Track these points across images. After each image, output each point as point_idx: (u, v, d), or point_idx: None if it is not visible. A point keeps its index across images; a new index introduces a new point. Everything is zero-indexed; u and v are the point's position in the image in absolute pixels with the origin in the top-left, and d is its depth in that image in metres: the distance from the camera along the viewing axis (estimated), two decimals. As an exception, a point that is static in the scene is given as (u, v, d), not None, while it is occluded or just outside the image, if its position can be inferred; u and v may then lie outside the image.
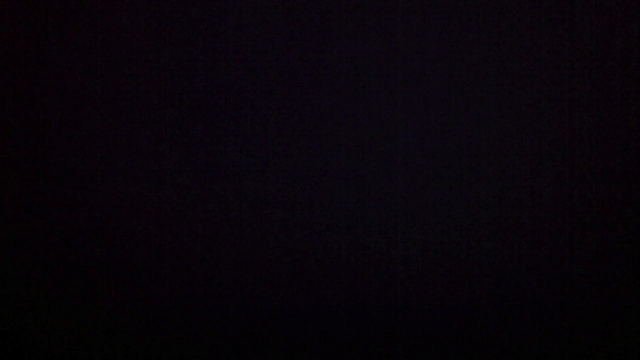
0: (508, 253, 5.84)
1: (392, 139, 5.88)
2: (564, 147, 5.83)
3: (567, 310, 5.82)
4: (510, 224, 5.85)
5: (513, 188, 5.84)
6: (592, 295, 5.82)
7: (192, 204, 5.86)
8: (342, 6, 5.84)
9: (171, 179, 5.88)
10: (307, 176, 5.88)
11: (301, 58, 5.88)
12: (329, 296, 5.86)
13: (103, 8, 5.85)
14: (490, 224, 5.85)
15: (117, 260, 5.85)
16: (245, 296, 5.86)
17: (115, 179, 5.86)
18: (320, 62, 5.86)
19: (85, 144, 5.86)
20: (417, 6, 5.86)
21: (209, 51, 5.88)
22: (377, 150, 5.87)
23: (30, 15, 5.82)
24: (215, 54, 5.88)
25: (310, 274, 5.85)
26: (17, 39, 5.83)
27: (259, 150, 5.87)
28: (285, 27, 5.87)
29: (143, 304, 5.83)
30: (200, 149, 5.87)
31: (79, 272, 5.84)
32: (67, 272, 5.85)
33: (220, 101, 5.89)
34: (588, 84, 5.83)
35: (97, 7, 5.85)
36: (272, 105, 5.88)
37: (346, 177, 5.87)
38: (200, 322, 5.85)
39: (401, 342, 5.84)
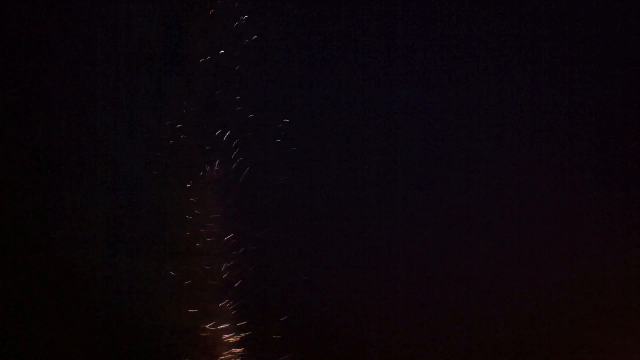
0: (508, 253, 5.85)
1: (393, 139, 5.88)
2: (564, 147, 5.84)
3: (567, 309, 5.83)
4: (509, 224, 5.85)
5: (513, 188, 5.85)
6: (592, 294, 5.83)
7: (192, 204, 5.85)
8: (343, 7, 5.84)
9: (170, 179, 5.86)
10: (307, 176, 5.88)
11: (301, 59, 5.88)
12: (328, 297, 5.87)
13: (103, 8, 5.83)
14: (490, 224, 5.86)
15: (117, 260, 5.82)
16: (244, 296, 5.85)
17: (115, 180, 5.84)
18: (321, 63, 5.86)
19: (85, 144, 5.83)
20: (418, 7, 5.85)
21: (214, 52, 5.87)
22: (378, 150, 5.87)
23: (30, 15, 5.79)
24: (217, 54, 5.86)
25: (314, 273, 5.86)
26: (17, 39, 5.80)
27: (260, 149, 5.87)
28: (286, 28, 5.86)
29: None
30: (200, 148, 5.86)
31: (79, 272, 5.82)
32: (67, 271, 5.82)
33: (221, 101, 5.87)
34: (588, 84, 5.84)
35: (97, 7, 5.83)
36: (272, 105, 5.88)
37: (346, 176, 5.87)
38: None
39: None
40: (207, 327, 5.77)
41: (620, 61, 5.84)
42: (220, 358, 5.78)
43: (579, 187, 5.86)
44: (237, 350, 5.80)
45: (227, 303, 5.79)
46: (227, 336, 5.80)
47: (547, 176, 5.86)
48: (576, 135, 5.88)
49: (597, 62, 5.85)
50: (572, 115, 5.87)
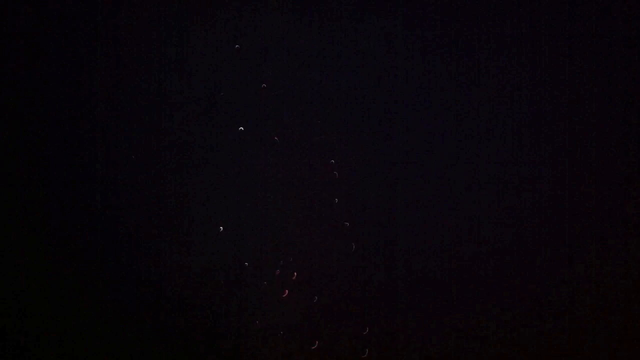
0: (508, 253, 5.86)
1: (392, 140, 5.90)
2: (564, 148, 5.85)
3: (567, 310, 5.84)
4: (509, 224, 5.87)
5: (513, 188, 5.86)
6: (591, 294, 5.84)
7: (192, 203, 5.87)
8: (343, 8, 5.86)
9: (171, 179, 5.89)
10: (307, 176, 5.90)
11: (300, 58, 5.90)
12: (327, 297, 5.89)
13: (103, 8, 5.86)
14: (490, 224, 5.87)
15: (117, 260, 5.85)
16: (244, 297, 5.88)
17: (115, 179, 5.87)
18: (320, 63, 5.88)
19: (85, 144, 5.86)
20: (418, 8, 5.87)
21: (209, 50, 5.89)
22: (378, 150, 5.89)
23: (30, 15, 5.82)
24: (215, 54, 5.89)
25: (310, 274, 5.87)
26: (17, 39, 5.83)
27: (259, 149, 5.89)
28: (285, 28, 5.88)
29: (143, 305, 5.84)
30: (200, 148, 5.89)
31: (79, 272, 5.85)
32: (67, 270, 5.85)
33: (219, 101, 5.90)
34: (588, 84, 5.85)
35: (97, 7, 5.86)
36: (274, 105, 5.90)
37: (346, 176, 5.89)
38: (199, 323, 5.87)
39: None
40: None
41: (621, 61, 5.86)
42: None
43: (580, 187, 5.88)
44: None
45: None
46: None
47: (547, 176, 5.88)
48: (576, 135, 5.89)
49: (597, 62, 5.87)
50: (572, 115, 5.89)
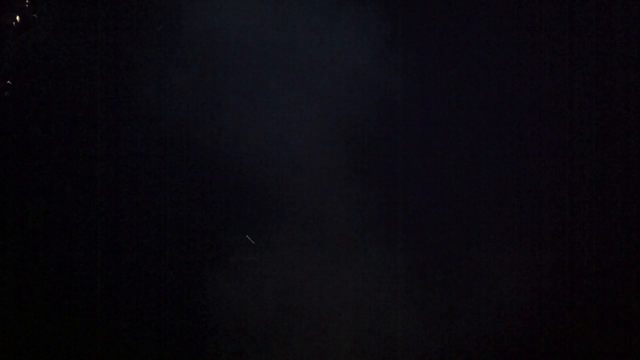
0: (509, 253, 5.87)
1: (393, 139, 5.89)
2: (564, 147, 5.85)
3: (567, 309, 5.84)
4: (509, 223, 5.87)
5: (513, 188, 5.86)
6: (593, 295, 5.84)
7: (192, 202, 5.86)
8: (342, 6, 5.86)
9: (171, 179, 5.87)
10: (307, 175, 5.89)
11: (298, 58, 5.89)
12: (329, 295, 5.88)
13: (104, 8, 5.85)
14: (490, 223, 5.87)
15: (117, 261, 5.84)
16: (246, 294, 5.87)
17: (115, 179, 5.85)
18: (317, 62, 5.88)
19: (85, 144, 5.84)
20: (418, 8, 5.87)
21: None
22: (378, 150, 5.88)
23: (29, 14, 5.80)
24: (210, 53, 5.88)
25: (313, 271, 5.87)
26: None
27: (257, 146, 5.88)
28: (281, 27, 5.88)
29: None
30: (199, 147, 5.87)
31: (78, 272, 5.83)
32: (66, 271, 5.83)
33: (218, 101, 5.88)
34: (588, 84, 5.85)
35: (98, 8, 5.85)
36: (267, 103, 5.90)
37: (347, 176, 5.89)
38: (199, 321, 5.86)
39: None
40: None
41: (621, 61, 5.86)
42: None
43: (579, 187, 5.88)
44: None
45: None
46: None
47: (547, 175, 5.88)
48: (576, 135, 5.89)
49: (597, 62, 5.87)
50: (572, 114, 5.89)
